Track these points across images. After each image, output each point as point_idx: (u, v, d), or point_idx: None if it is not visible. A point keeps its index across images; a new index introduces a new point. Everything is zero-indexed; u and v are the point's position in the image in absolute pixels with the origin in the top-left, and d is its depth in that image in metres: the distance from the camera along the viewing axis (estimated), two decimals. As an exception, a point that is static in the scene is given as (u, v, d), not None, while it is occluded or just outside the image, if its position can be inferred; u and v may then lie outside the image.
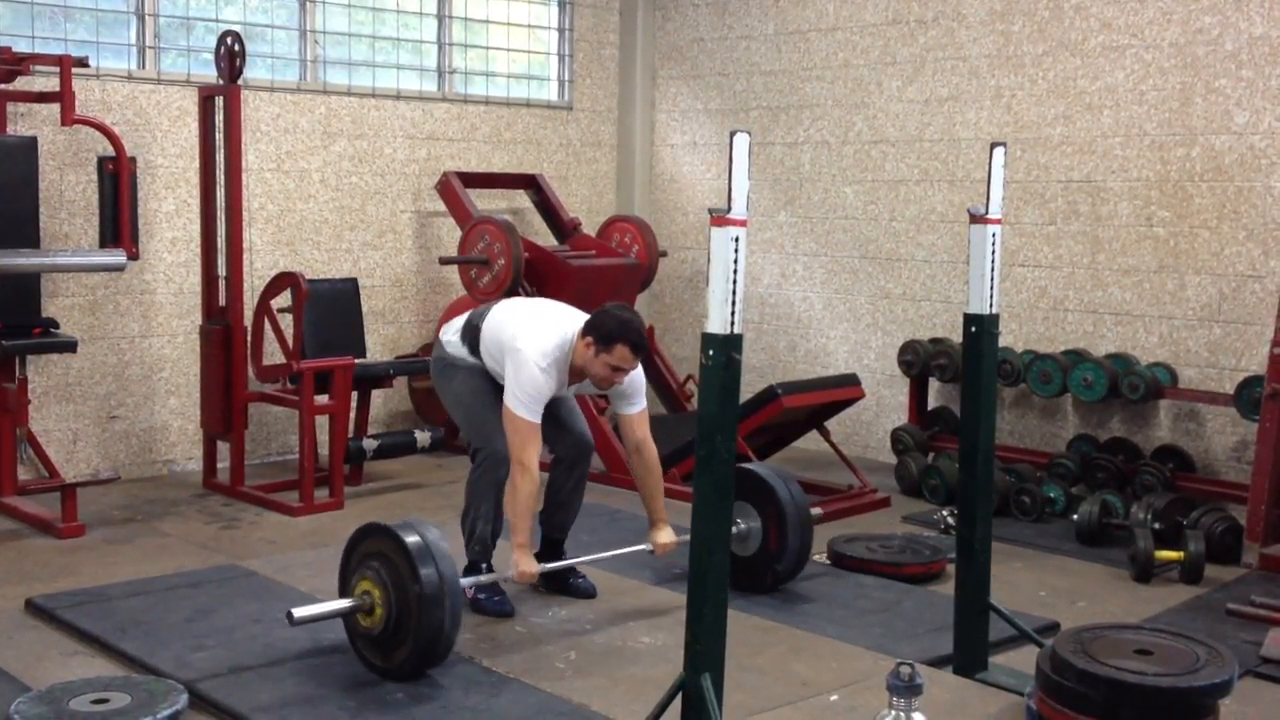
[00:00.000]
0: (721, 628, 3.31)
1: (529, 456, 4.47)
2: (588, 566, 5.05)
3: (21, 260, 5.88)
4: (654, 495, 4.84)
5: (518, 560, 4.51)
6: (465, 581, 4.67)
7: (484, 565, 4.81)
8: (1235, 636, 4.54)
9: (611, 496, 6.52)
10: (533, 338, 4.54)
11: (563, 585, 4.97)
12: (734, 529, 4.92)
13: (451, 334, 4.86)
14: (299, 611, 4.01)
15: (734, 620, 3.43)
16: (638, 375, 4.72)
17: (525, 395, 4.48)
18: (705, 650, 3.29)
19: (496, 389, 4.67)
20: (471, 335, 4.75)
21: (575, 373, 4.64)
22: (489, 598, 4.73)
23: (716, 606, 3.29)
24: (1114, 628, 3.74)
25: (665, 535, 4.83)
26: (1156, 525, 5.58)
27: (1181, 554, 5.31)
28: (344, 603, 4.10)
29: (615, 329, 4.48)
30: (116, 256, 6.08)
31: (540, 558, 5.03)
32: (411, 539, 3.97)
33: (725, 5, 8.40)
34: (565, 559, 5.02)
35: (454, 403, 4.85)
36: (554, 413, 4.80)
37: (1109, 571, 5.48)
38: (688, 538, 4.51)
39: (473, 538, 4.80)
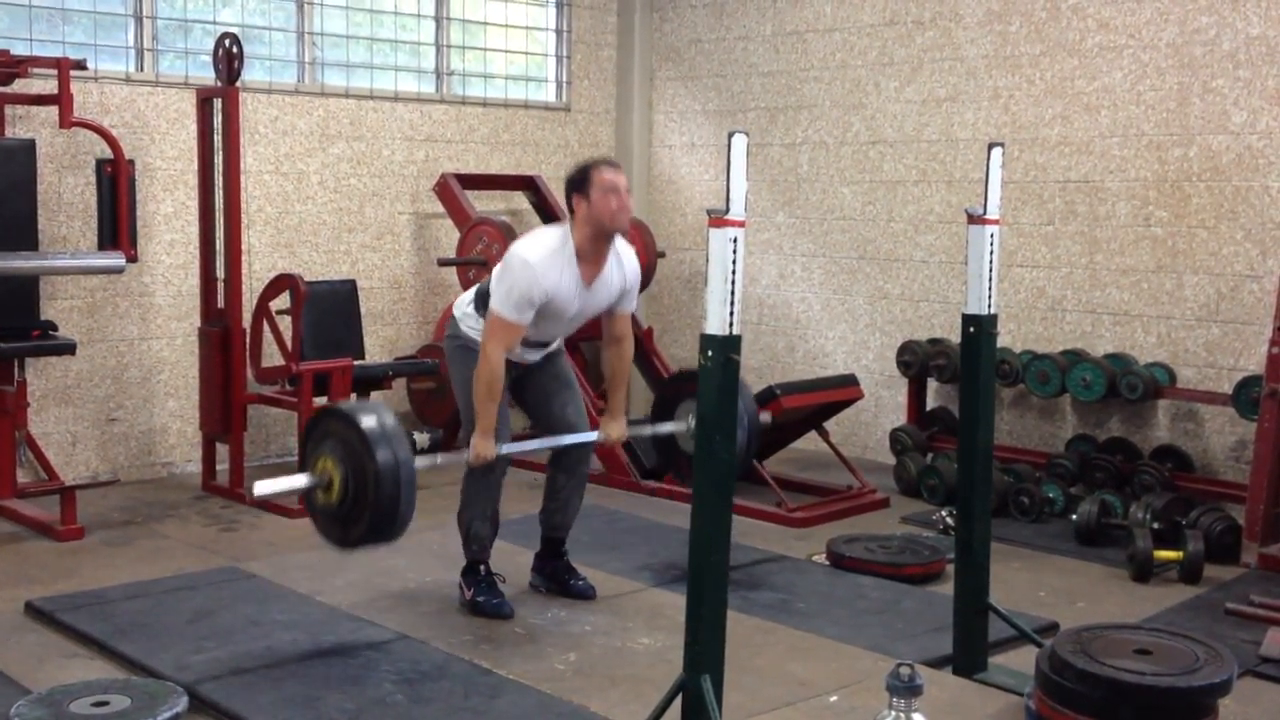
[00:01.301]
0: (721, 628, 3.32)
1: (494, 348, 4.43)
2: (588, 569, 5.05)
3: (20, 263, 5.88)
4: (618, 387, 4.84)
5: (475, 443, 4.46)
6: (470, 592, 4.69)
7: (482, 566, 4.80)
8: (1234, 636, 4.54)
9: (611, 498, 6.52)
10: (524, 243, 4.54)
11: (563, 587, 4.97)
12: (687, 426, 4.86)
13: (465, 305, 4.75)
14: (260, 486, 3.96)
15: (733, 621, 3.44)
16: (635, 279, 4.72)
17: (513, 298, 4.40)
18: (705, 651, 3.29)
19: (506, 381, 4.61)
20: (483, 300, 4.63)
21: (594, 251, 4.52)
22: (487, 600, 4.71)
23: (716, 607, 3.29)
24: (1113, 628, 3.74)
25: (617, 429, 4.80)
26: (1155, 525, 5.59)
27: (1180, 554, 5.31)
28: (303, 479, 4.03)
29: (580, 170, 4.54)
30: (115, 259, 6.08)
31: (540, 557, 5.04)
32: (367, 421, 3.91)
33: (723, 6, 8.40)
34: (565, 560, 5.01)
35: (460, 387, 4.74)
36: (556, 408, 4.78)
37: (1108, 571, 5.48)
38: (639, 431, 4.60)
39: (469, 537, 4.78)
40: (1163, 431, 6.57)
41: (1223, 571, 5.41)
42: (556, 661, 4.30)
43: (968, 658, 4.22)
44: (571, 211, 4.55)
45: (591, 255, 4.52)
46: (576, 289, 4.52)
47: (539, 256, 4.43)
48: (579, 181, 4.51)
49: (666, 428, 4.98)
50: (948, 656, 4.28)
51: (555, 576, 4.99)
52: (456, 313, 4.80)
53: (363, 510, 3.90)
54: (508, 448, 4.59)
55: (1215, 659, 3.43)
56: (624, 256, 4.67)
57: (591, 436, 4.77)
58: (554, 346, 4.85)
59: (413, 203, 7.85)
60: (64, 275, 6.38)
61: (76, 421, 6.67)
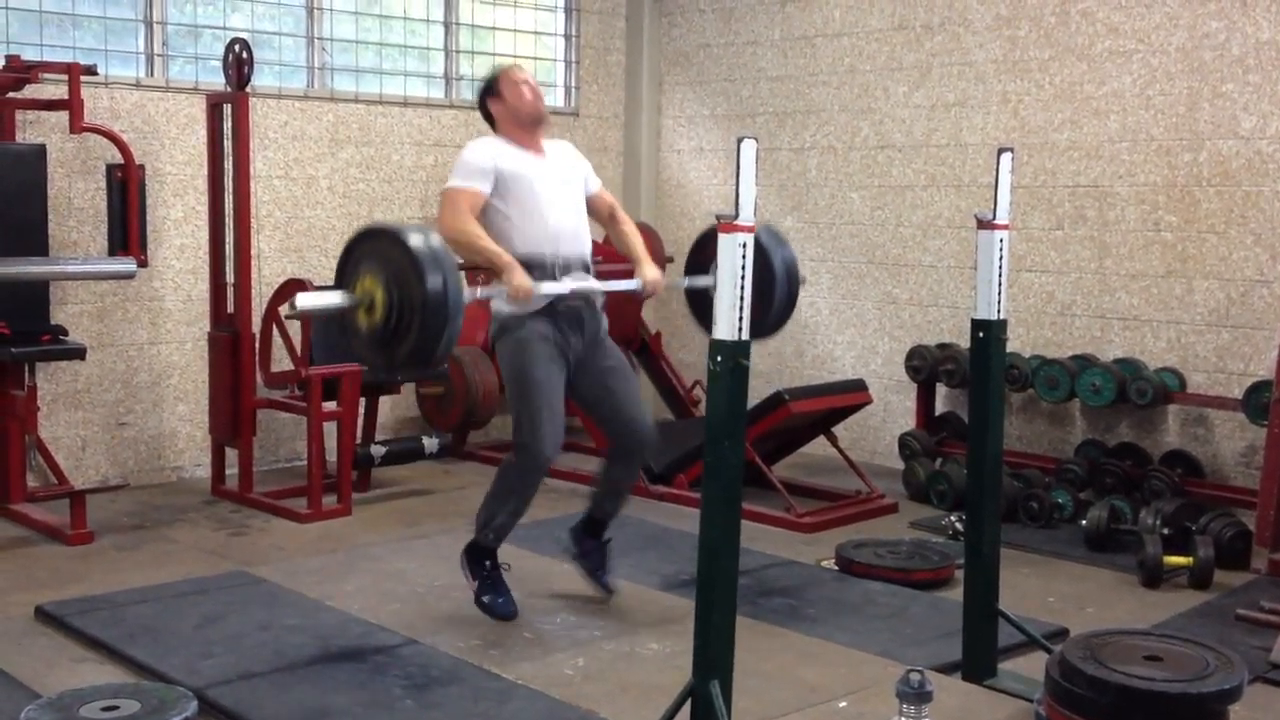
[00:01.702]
0: (730, 634, 3.31)
1: (449, 214, 4.46)
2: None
3: (31, 268, 5.90)
4: (636, 244, 4.80)
5: (508, 279, 4.35)
6: (474, 584, 4.66)
7: (488, 561, 4.76)
8: (1244, 642, 4.53)
9: (619, 502, 6.51)
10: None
11: (589, 570, 4.98)
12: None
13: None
14: (301, 300, 3.89)
15: (742, 626, 3.43)
16: (581, 157, 4.84)
17: (460, 170, 4.54)
18: (714, 656, 3.29)
19: (557, 367, 4.55)
20: None
21: (524, 135, 4.67)
22: (493, 599, 4.68)
23: (725, 612, 3.29)
24: (1123, 633, 3.74)
25: (652, 272, 4.72)
26: (1165, 530, 5.58)
27: (1190, 559, 5.30)
28: (347, 298, 3.90)
29: (489, 77, 4.77)
30: (126, 264, 6.09)
31: (583, 529, 5.00)
32: (415, 240, 3.80)
33: (731, 11, 8.41)
34: (606, 547, 4.99)
35: (509, 377, 4.64)
36: (619, 400, 4.71)
37: (1117, 577, 5.47)
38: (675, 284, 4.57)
39: (489, 524, 4.69)
40: (1172, 437, 6.55)
41: (1233, 577, 5.39)
42: (565, 666, 4.30)
43: (977, 663, 4.21)
44: (491, 120, 4.74)
45: (526, 145, 4.66)
46: (529, 159, 4.63)
47: (474, 141, 4.65)
48: (489, 87, 4.73)
49: (701, 281, 4.86)
50: (957, 662, 4.27)
51: (589, 556, 4.98)
52: (493, 309, 4.73)
53: (408, 331, 3.76)
54: (547, 287, 4.45)
55: (1226, 665, 3.43)
56: (559, 145, 4.83)
57: (633, 285, 4.68)
58: (595, 305, 4.71)
59: (422, 207, 7.86)
60: (75, 280, 6.40)
61: (86, 426, 6.69)
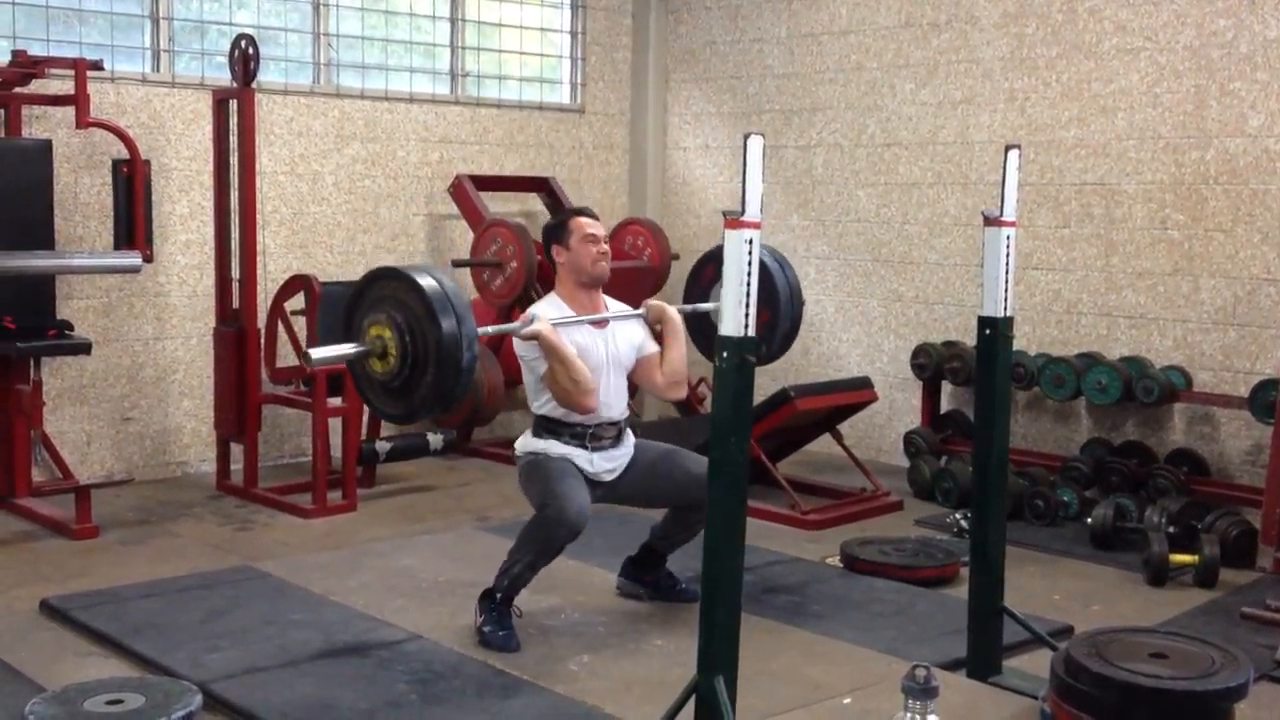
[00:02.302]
0: (735, 630, 3.31)
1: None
2: (603, 571, 5.04)
3: (37, 262, 5.91)
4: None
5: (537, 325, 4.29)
6: (479, 620, 4.52)
7: (499, 595, 4.53)
8: (1250, 640, 4.52)
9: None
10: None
11: (668, 594, 4.91)
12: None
13: (526, 437, 4.66)
14: (317, 353, 3.88)
15: (747, 623, 3.43)
16: (634, 329, 4.68)
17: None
18: (718, 653, 3.29)
19: (576, 479, 4.48)
20: (541, 423, 4.60)
21: (584, 302, 4.58)
22: (494, 631, 4.46)
23: (730, 609, 3.29)
24: (1128, 631, 3.73)
25: (658, 303, 4.69)
26: (1171, 529, 5.57)
27: (1196, 557, 5.29)
28: (360, 346, 3.91)
29: (558, 219, 4.68)
30: (132, 258, 6.10)
31: (638, 564, 4.97)
32: (427, 282, 3.77)
33: (738, 8, 8.40)
34: (665, 569, 4.95)
35: (533, 482, 4.53)
36: (679, 476, 4.65)
37: (1123, 575, 5.46)
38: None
39: (508, 573, 4.49)
40: (1178, 435, 6.54)
41: (1238, 575, 5.39)
42: (570, 663, 4.29)
43: (982, 661, 4.20)
44: (552, 262, 4.64)
45: (584, 306, 4.59)
46: (589, 336, 4.54)
47: (540, 306, 4.52)
48: (557, 229, 4.61)
49: (704, 307, 4.84)
50: (962, 660, 4.27)
51: (658, 585, 4.93)
52: (518, 447, 4.67)
53: (423, 376, 3.75)
54: (560, 320, 4.40)
55: (1231, 663, 3.42)
56: (615, 307, 4.71)
57: (637, 312, 4.66)
58: (624, 443, 4.69)
59: (427, 204, 7.86)
60: (81, 274, 6.40)
61: (91, 421, 6.69)
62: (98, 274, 6.45)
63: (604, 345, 4.59)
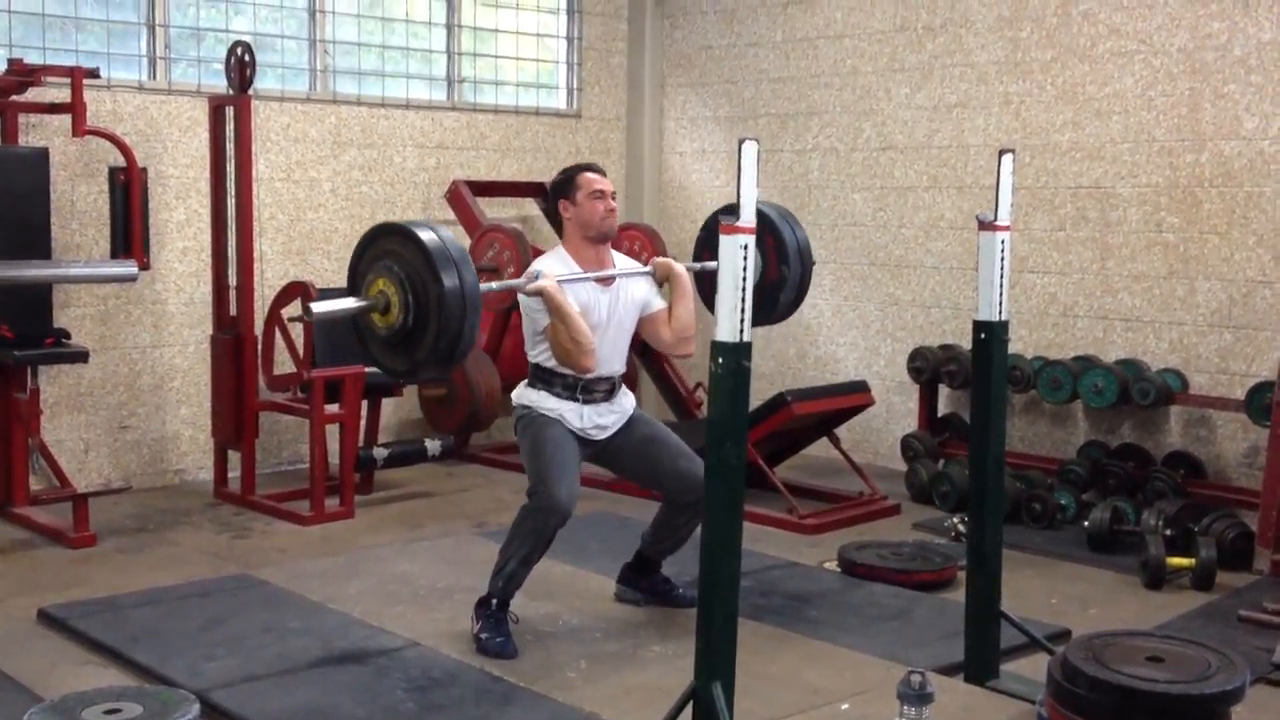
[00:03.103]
0: (732, 635, 3.31)
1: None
2: (601, 576, 5.05)
3: (32, 272, 5.91)
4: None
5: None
6: (477, 626, 4.51)
7: (494, 600, 4.53)
8: (1247, 643, 4.52)
9: (622, 504, 6.52)
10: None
11: (666, 599, 4.91)
12: None
13: (522, 388, 4.67)
14: (317, 306, 3.86)
15: (745, 628, 3.44)
16: (641, 287, 4.68)
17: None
18: (716, 658, 3.29)
19: (570, 443, 4.50)
20: (536, 372, 4.60)
21: (591, 258, 4.57)
22: (491, 638, 4.45)
23: (727, 614, 3.29)
24: (1126, 634, 3.73)
25: (665, 260, 4.71)
26: (1168, 531, 5.57)
27: (1193, 560, 5.29)
28: (362, 300, 3.88)
29: (565, 174, 4.63)
30: (128, 268, 6.10)
31: (634, 570, 4.97)
32: (428, 237, 3.76)
33: (733, 13, 8.41)
34: (660, 574, 4.94)
35: (525, 451, 4.59)
36: (668, 464, 4.66)
37: (1120, 578, 5.46)
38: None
39: (500, 572, 4.50)
40: (1175, 438, 6.55)
41: (1235, 578, 5.39)
42: (568, 669, 4.30)
43: (979, 665, 4.21)
44: (558, 217, 4.64)
45: (591, 262, 4.57)
46: (593, 294, 4.53)
47: (545, 260, 4.56)
48: (564, 185, 4.60)
49: (712, 266, 4.83)
50: (959, 664, 4.27)
51: (655, 590, 4.93)
52: (514, 399, 4.68)
53: (425, 331, 3.74)
54: (566, 277, 4.40)
55: (1228, 666, 3.42)
56: (622, 263, 4.71)
57: (644, 270, 4.69)
58: (619, 398, 4.68)
59: (424, 210, 7.86)
60: (76, 284, 6.40)
61: (89, 429, 6.69)
62: (94, 283, 6.44)
63: (607, 304, 4.57)
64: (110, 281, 6.33)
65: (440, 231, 3.81)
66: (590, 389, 4.56)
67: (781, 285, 4.85)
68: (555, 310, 4.33)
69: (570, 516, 4.43)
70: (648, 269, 4.70)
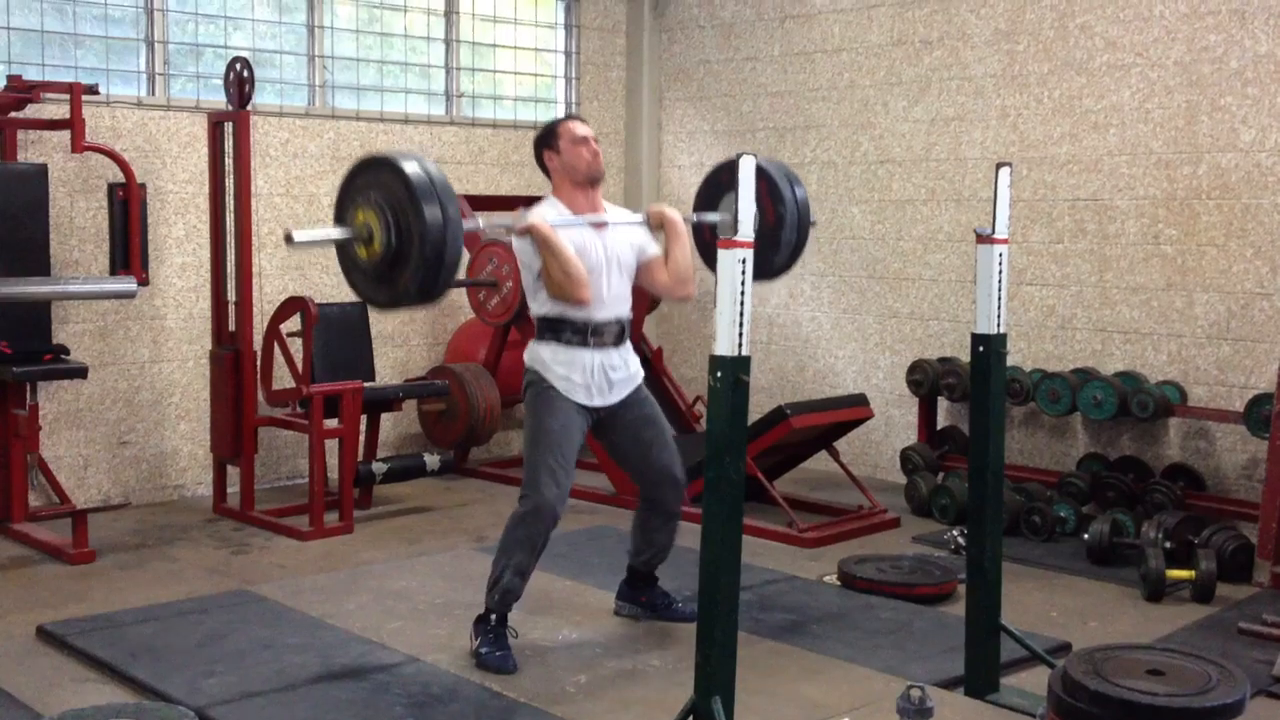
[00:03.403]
0: (732, 649, 3.31)
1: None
2: (600, 591, 5.04)
3: (31, 289, 5.91)
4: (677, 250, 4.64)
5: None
6: (476, 642, 4.50)
7: (494, 617, 4.52)
8: (1247, 656, 4.52)
9: (623, 519, 6.50)
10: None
11: (665, 613, 4.87)
12: (730, 216, 4.78)
13: (530, 345, 4.63)
14: (299, 235, 3.81)
15: (744, 642, 3.43)
16: (634, 231, 4.64)
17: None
18: (716, 672, 3.29)
19: (575, 424, 4.49)
20: (542, 323, 4.56)
21: (580, 195, 4.56)
22: (490, 652, 4.43)
23: (727, 628, 3.29)
24: (1126, 648, 3.73)
25: (655, 206, 4.67)
26: (1167, 544, 5.57)
27: (1193, 573, 5.29)
28: (345, 231, 3.86)
29: (546, 127, 4.63)
30: (127, 284, 6.10)
31: (630, 586, 4.95)
32: (413, 169, 3.74)
33: (731, 27, 8.43)
34: (658, 588, 4.92)
35: (527, 424, 4.58)
36: (653, 456, 4.65)
37: (1120, 591, 5.46)
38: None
39: (496, 585, 4.48)
40: (1174, 450, 6.55)
41: (1235, 591, 5.39)
42: (567, 684, 4.29)
43: (980, 679, 4.20)
44: (545, 169, 4.63)
45: (583, 207, 4.56)
46: (588, 238, 4.48)
47: (538, 209, 4.48)
48: (546, 137, 4.60)
49: (710, 217, 4.74)
50: (959, 677, 4.27)
51: (653, 605, 4.90)
52: (526, 361, 4.63)
53: (407, 262, 3.72)
54: (559, 221, 4.39)
55: (1228, 679, 3.42)
56: (615, 214, 4.68)
57: (637, 218, 4.65)
58: (628, 352, 4.63)
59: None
60: (75, 300, 6.40)
61: (88, 445, 6.69)
62: (93, 300, 6.44)
63: (603, 246, 4.52)
64: (109, 298, 6.33)
65: (426, 164, 3.80)
66: (600, 332, 4.51)
67: (778, 233, 4.75)
68: (544, 244, 4.32)
69: (559, 519, 4.44)
70: (640, 218, 4.64)
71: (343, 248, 3.91)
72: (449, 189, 3.75)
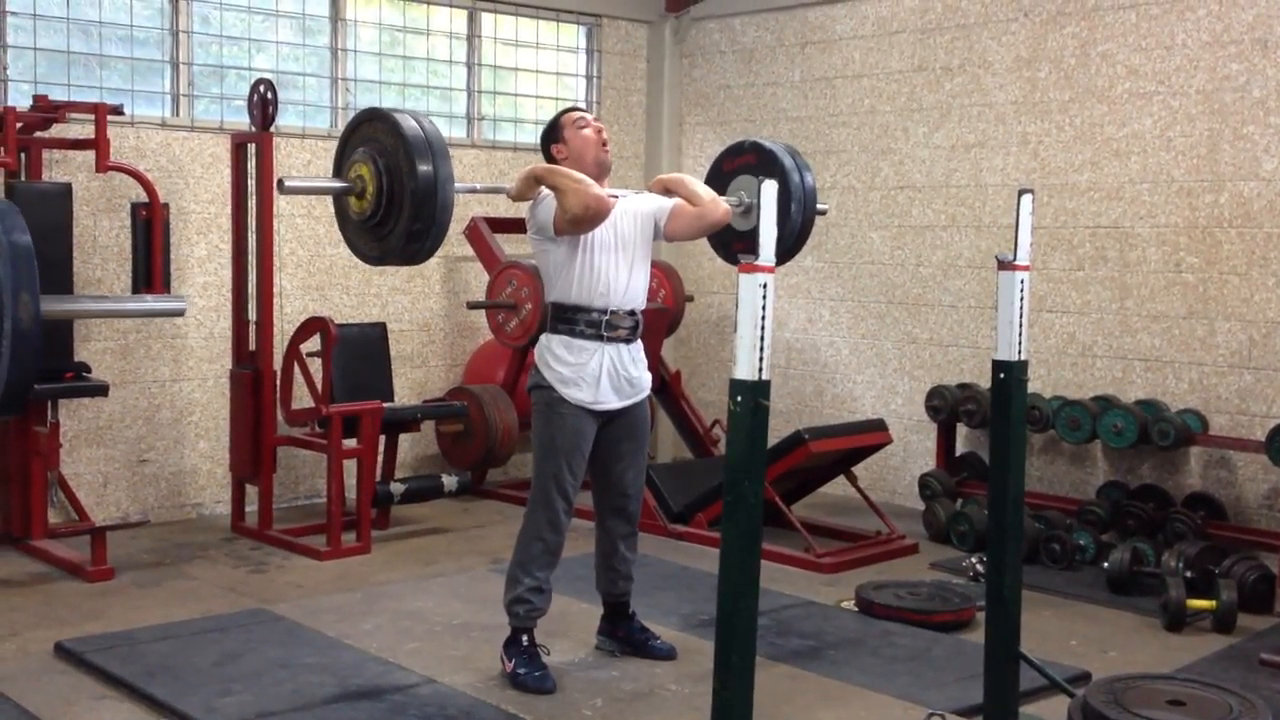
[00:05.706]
0: (749, 675, 3.30)
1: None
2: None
3: (88, 306, 5.78)
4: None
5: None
6: (510, 664, 4.47)
7: (524, 636, 4.52)
8: (1269, 686, 4.49)
9: (642, 541, 6.49)
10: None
11: (640, 649, 4.78)
12: (738, 200, 4.80)
13: (542, 338, 4.58)
14: (291, 181, 3.86)
15: (762, 668, 3.42)
16: (643, 206, 4.59)
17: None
18: (733, 698, 3.27)
19: (583, 437, 4.47)
20: (555, 310, 4.53)
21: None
22: (529, 673, 4.41)
23: (744, 653, 3.28)
24: (1146, 678, 3.71)
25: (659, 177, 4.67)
26: (1188, 573, 5.53)
27: (1214, 603, 5.26)
28: (337, 181, 3.89)
29: (551, 122, 4.61)
30: (177, 303, 6.05)
31: (608, 620, 4.86)
32: (408, 125, 3.76)
33: (752, 53, 8.46)
34: (637, 621, 4.84)
35: (535, 445, 4.56)
36: (617, 471, 4.61)
37: (1140, 620, 5.43)
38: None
39: (515, 601, 4.50)
40: (1195, 479, 6.51)
41: (1257, 621, 5.35)
42: (584, 707, 4.28)
43: (998, 707, 4.17)
44: (554, 163, 4.53)
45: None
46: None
47: (548, 199, 4.41)
48: (551, 131, 4.58)
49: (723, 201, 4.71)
50: (978, 705, 4.23)
51: (630, 640, 4.80)
52: (535, 359, 4.59)
53: (398, 217, 3.73)
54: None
55: (1250, 710, 3.40)
56: (627, 201, 4.60)
57: (642, 194, 4.63)
58: (639, 353, 4.58)
59: (442, 246, 7.86)
60: (126, 318, 6.41)
61: (108, 462, 6.72)
62: (142, 318, 6.45)
63: (614, 223, 4.45)
64: (160, 316, 6.33)
65: (424, 122, 3.81)
66: (614, 325, 4.46)
67: (782, 214, 4.71)
68: (544, 175, 4.30)
69: (566, 533, 4.47)
70: (644, 194, 4.64)
71: (339, 198, 3.94)
72: (444, 147, 3.77)
